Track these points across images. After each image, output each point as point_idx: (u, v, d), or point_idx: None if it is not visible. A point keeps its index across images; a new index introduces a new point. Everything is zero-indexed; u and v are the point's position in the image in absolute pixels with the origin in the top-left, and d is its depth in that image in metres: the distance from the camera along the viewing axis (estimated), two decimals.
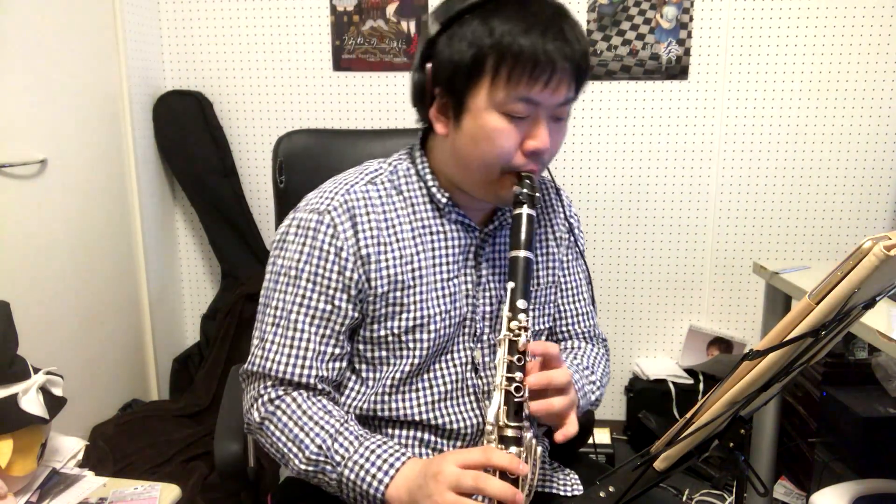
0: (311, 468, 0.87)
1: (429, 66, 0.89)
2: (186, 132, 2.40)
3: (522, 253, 0.86)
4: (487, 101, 0.86)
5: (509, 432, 0.80)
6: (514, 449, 0.80)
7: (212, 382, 2.29)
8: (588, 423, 1.28)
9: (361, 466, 0.84)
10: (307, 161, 1.34)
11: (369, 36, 2.39)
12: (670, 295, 2.50)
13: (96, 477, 1.22)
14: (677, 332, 2.53)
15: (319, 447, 0.87)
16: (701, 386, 2.40)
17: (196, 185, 2.45)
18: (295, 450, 0.88)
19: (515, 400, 0.81)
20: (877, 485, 1.37)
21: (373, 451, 0.85)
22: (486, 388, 0.99)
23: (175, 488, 1.21)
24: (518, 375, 0.82)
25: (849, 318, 0.67)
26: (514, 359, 0.83)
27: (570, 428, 0.85)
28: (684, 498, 2.13)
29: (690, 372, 2.46)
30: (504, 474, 0.78)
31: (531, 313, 0.98)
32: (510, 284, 0.86)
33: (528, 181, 0.89)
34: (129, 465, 1.93)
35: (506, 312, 0.84)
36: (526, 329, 0.83)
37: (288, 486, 1.09)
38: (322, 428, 0.88)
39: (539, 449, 0.81)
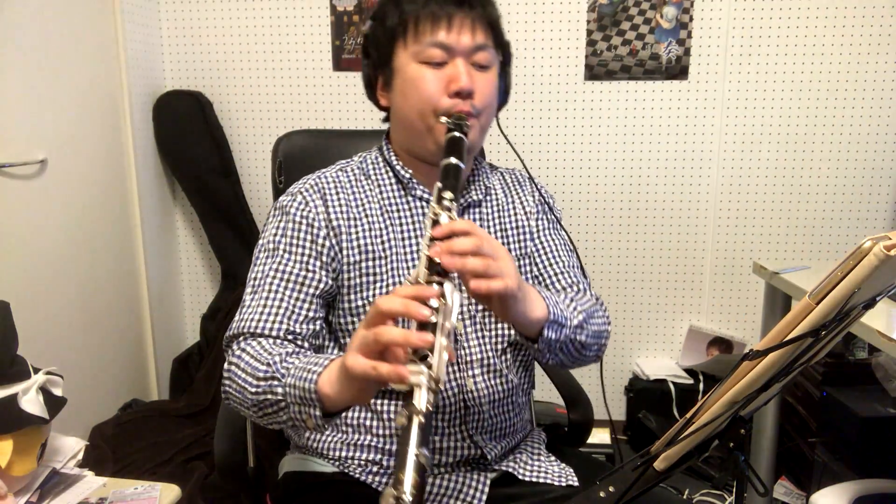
0: (260, 388, 0.85)
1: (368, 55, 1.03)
2: (186, 132, 2.40)
3: (453, 160, 0.90)
4: (407, 56, 0.98)
5: (431, 287, 0.76)
6: (434, 289, 0.76)
7: (212, 382, 2.29)
8: (588, 422, 1.28)
9: (301, 368, 0.82)
10: (306, 161, 1.34)
11: None
12: (670, 295, 2.50)
13: (96, 477, 1.22)
14: (677, 332, 2.53)
15: (268, 364, 0.86)
16: (701, 386, 2.40)
17: (196, 185, 2.45)
18: (249, 378, 0.87)
19: (435, 260, 0.78)
20: (877, 485, 1.37)
21: (314, 357, 0.84)
22: (467, 359, 1.01)
23: (175, 488, 1.21)
24: (439, 244, 0.80)
25: (849, 318, 0.67)
26: (436, 231, 0.82)
27: (495, 283, 0.80)
28: (684, 497, 2.13)
29: (690, 372, 2.46)
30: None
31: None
32: (437, 185, 0.88)
33: (456, 115, 0.95)
34: (129, 465, 1.93)
35: (433, 204, 0.86)
36: (449, 210, 0.84)
37: (286, 483, 1.09)
38: (276, 354, 0.87)
39: (456, 297, 0.76)
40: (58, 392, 1.20)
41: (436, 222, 0.84)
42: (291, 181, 1.31)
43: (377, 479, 1.00)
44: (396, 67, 0.99)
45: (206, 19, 2.44)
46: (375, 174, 1.07)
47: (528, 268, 1.10)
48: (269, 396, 0.85)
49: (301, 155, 1.36)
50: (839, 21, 2.28)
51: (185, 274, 2.64)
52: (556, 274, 1.11)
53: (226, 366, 0.93)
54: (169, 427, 2.13)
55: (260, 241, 1.03)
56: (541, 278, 1.10)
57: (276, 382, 0.84)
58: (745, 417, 0.76)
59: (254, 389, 0.86)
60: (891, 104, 2.32)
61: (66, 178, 1.97)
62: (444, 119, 0.96)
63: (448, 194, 0.86)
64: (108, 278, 2.18)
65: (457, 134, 0.94)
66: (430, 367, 0.70)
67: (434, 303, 0.74)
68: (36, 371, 1.17)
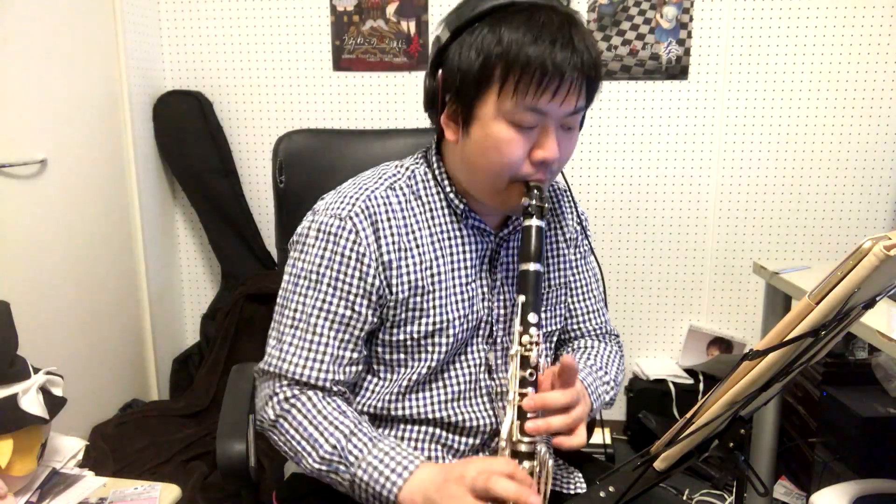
0: (324, 467, 0.87)
1: (440, 72, 0.90)
2: (186, 132, 2.40)
3: (532, 266, 0.85)
4: (495, 110, 0.85)
5: (522, 447, 0.81)
6: (526, 464, 0.81)
7: (212, 382, 2.29)
8: (588, 423, 1.28)
9: (375, 468, 0.84)
10: (307, 161, 1.34)
11: (369, 36, 2.39)
12: (670, 295, 2.50)
13: (96, 477, 1.22)
14: (677, 332, 2.53)
15: (334, 447, 0.87)
16: (701, 386, 2.40)
17: (196, 185, 2.45)
18: (309, 448, 0.88)
19: (528, 416, 0.81)
20: (877, 485, 1.37)
21: (387, 454, 0.85)
22: (499, 390, 0.99)
23: (175, 488, 1.21)
24: (530, 390, 0.82)
25: (849, 318, 0.67)
26: (527, 374, 0.83)
27: (574, 440, 0.85)
28: (684, 497, 2.13)
29: (690, 372, 2.46)
30: None
31: (543, 315, 0.99)
32: (521, 298, 0.85)
33: (536, 191, 0.88)
34: (129, 465, 1.92)
35: (517, 328, 0.84)
36: (537, 344, 0.84)
37: (293, 483, 1.09)
38: (336, 428, 0.88)
39: (551, 462, 0.82)
40: (58, 392, 1.20)
41: (525, 358, 0.83)
42: (292, 181, 1.32)
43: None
44: (479, 115, 0.87)
45: (206, 19, 2.44)
46: (427, 196, 0.97)
47: (562, 298, 1.08)
48: (333, 476, 0.87)
49: (301, 155, 1.36)
50: (839, 21, 2.28)
51: (185, 274, 2.64)
52: (586, 313, 1.12)
53: (271, 413, 0.92)
54: (169, 427, 2.13)
55: (298, 263, 0.94)
56: (573, 313, 1.11)
57: (342, 468, 0.86)
58: (745, 417, 0.76)
59: (317, 465, 0.88)
60: (891, 104, 2.32)
61: (66, 178, 1.97)
62: (525, 201, 0.87)
63: (534, 317, 0.84)
64: (108, 278, 2.18)
65: (536, 223, 0.86)
66: None
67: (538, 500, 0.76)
68: (36, 371, 1.17)
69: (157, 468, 1.93)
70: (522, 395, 0.82)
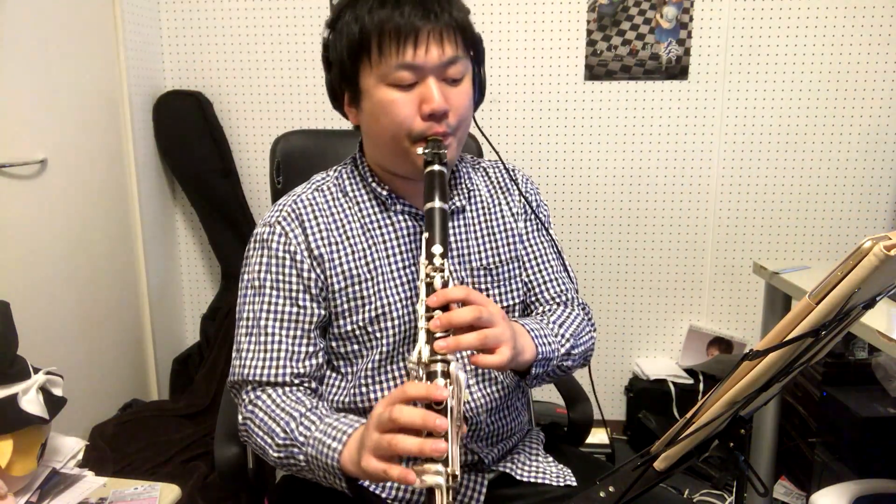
0: (281, 454, 0.88)
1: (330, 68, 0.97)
2: (186, 132, 2.40)
3: (437, 203, 0.88)
4: (374, 79, 0.91)
5: (434, 367, 0.78)
6: (441, 381, 0.78)
7: (212, 383, 2.29)
8: (587, 422, 1.28)
9: (319, 441, 0.84)
10: (304, 161, 1.34)
11: None
12: (670, 295, 2.50)
13: (96, 477, 1.22)
14: (677, 332, 2.53)
15: (285, 431, 0.88)
16: (701, 386, 2.40)
17: (196, 185, 2.45)
18: (268, 440, 0.89)
19: (436, 336, 0.80)
20: (877, 485, 1.37)
21: (330, 425, 0.85)
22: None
23: (175, 488, 1.21)
24: (437, 313, 0.81)
25: (849, 318, 0.67)
26: (432, 300, 0.82)
27: (492, 358, 0.82)
28: (684, 497, 2.13)
29: (690, 372, 2.46)
30: (430, 405, 0.76)
31: (497, 290, 1.05)
32: (425, 235, 0.86)
33: (433, 142, 0.92)
34: (129, 465, 1.93)
35: (423, 260, 0.85)
36: (441, 271, 0.83)
37: (284, 486, 1.09)
38: (289, 414, 0.89)
39: (462, 375, 0.79)
40: (58, 392, 1.20)
41: (429, 285, 0.83)
42: (289, 181, 1.32)
43: (376, 485, 0.99)
44: (363, 88, 0.93)
45: (206, 19, 2.44)
46: (353, 191, 1.02)
47: (516, 271, 1.08)
48: (292, 461, 0.88)
49: (299, 155, 1.36)
50: (839, 21, 2.28)
51: (185, 274, 2.64)
52: (544, 282, 1.10)
53: (240, 419, 0.95)
54: (169, 427, 2.13)
55: (244, 276, 1.00)
56: (530, 285, 1.10)
57: (296, 450, 0.87)
58: (745, 417, 0.76)
59: (275, 454, 0.89)
60: (891, 104, 2.32)
61: (66, 178, 1.97)
62: (420, 150, 0.91)
63: (438, 248, 0.84)
64: (108, 278, 2.18)
65: (436, 168, 0.90)
66: (446, 462, 0.72)
67: (444, 392, 0.75)
68: (36, 371, 1.17)
69: (156, 468, 1.93)
70: (429, 319, 0.80)
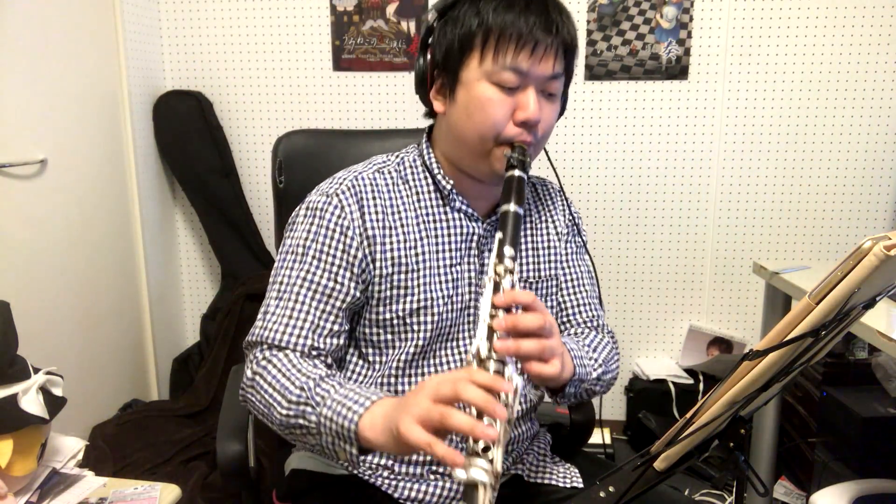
0: (291, 412, 0.85)
1: (428, 51, 0.97)
2: (186, 132, 2.40)
3: (513, 207, 0.87)
4: (479, 73, 0.92)
5: (490, 365, 0.77)
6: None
7: (212, 382, 2.29)
8: (588, 422, 1.28)
9: (339, 402, 0.81)
10: (306, 161, 1.34)
11: (369, 36, 2.39)
12: (670, 295, 2.50)
13: (96, 477, 1.22)
14: (677, 332, 2.53)
15: (301, 388, 0.85)
16: (701, 386, 2.40)
17: (196, 185, 2.45)
18: (278, 397, 0.87)
19: (497, 336, 0.78)
20: (877, 485, 1.37)
21: (352, 390, 0.83)
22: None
23: (175, 488, 1.21)
24: (501, 313, 0.80)
25: (849, 318, 0.67)
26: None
27: (546, 368, 0.81)
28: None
29: (690, 372, 2.46)
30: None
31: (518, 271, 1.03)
32: (498, 234, 0.86)
33: (520, 148, 0.92)
34: (129, 465, 1.93)
35: (493, 259, 0.84)
36: (511, 272, 0.83)
37: (293, 480, 1.09)
38: (306, 375, 0.87)
39: (518, 383, 0.76)
40: (58, 392, 1.20)
41: (497, 284, 0.81)
42: (291, 181, 1.32)
43: (387, 482, 0.99)
44: (464, 80, 0.93)
45: (206, 19, 2.44)
46: (414, 180, 1.02)
47: (553, 290, 1.09)
48: (301, 421, 0.84)
49: (301, 155, 1.36)
50: (839, 21, 2.28)
51: (185, 274, 2.64)
52: (577, 305, 1.11)
53: (248, 373, 0.92)
54: (169, 427, 2.13)
55: (287, 241, 0.98)
56: (563, 306, 1.11)
57: (309, 409, 0.83)
58: (745, 417, 0.76)
59: (285, 412, 0.86)
60: (891, 104, 2.32)
61: (66, 178, 1.97)
62: (507, 152, 0.92)
63: (509, 250, 0.83)
64: (108, 278, 2.18)
65: (518, 173, 0.90)
66: (491, 461, 0.68)
67: (509, 386, 0.73)
68: (36, 371, 1.17)
69: (157, 468, 1.93)
70: (493, 317, 0.79)
